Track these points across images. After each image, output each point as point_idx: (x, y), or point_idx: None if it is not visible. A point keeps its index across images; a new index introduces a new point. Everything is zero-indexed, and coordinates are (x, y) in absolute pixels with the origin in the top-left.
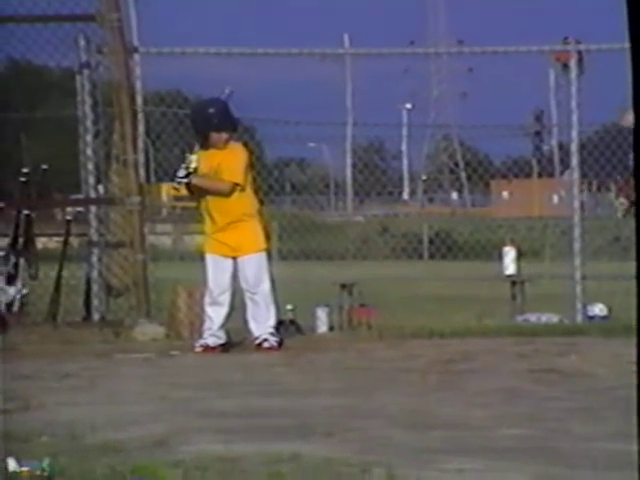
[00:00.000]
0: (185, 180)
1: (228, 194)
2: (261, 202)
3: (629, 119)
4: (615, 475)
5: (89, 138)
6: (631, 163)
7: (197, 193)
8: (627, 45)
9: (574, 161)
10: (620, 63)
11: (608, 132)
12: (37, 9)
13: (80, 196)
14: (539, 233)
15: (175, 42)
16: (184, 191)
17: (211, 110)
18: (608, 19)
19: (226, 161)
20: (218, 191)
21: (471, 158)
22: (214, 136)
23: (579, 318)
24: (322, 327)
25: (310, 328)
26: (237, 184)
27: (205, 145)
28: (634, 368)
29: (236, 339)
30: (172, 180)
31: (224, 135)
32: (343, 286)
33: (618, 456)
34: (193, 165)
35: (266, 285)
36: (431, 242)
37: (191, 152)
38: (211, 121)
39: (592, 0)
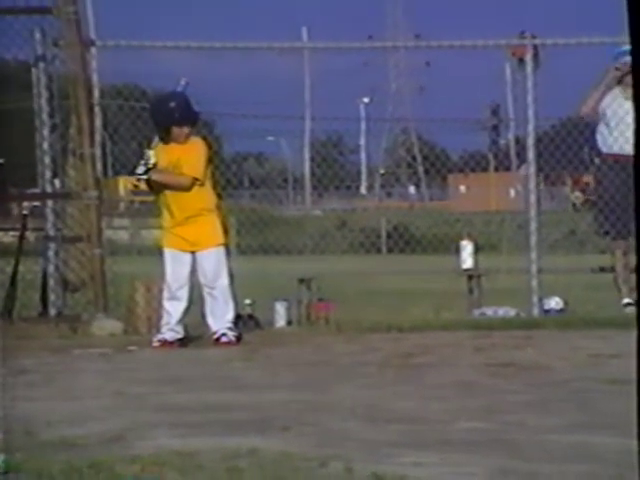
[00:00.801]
0: (144, 177)
1: (188, 189)
2: (219, 197)
3: (583, 110)
4: (571, 467)
5: (45, 132)
6: (586, 157)
7: (157, 188)
8: (583, 40)
9: (530, 155)
10: (575, 58)
11: (564, 126)
12: None
13: (37, 190)
14: (496, 227)
15: (133, 35)
16: (144, 186)
17: (172, 104)
18: (564, 14)
19: (186, 155)
20: (178, 186)
21: (429, 152)
22: (176, 130)
23: (535, 311)
24: (280, 321)
25: (269, 322)
26: (197, 179)
27: (165, 139)
28: (593, 361)
29: (194, 334)
30: (131, 175)
31: (185, 129)
32: (301, 280)
33: (574, 448)
34: (152, 161)
35: (224, 280)
36: (389, 236)
37: (149, 147)
38: (172, 115)
39: None
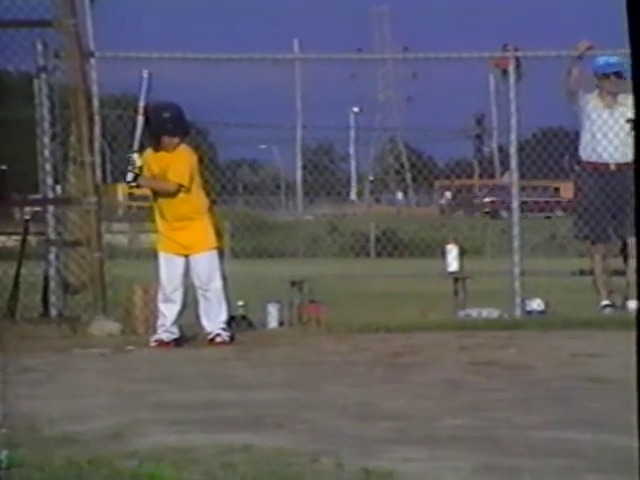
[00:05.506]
0: (134, 184)
1: (173, 194)
2: (213, 202)
3: (580, 47)
4: (552, 462)
5: (47, 140)
6: (566, 165)
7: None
8: (562, 52)
9: (513, 163)
10: (555, 69)
11: (545, 135)
12: None
13: (38, 196)
14: (480, 232)
15: (131, 47)
16: (139, 191)
17: (166, 114)
18: (544, 28)
19: (173, 163)
20: (164, 191)
21: (416, 160)
22: (166, 140)
23: (518, 313)
24: (273, 322)
25: (261, 324)
26: (182, 185)
27: (156, 147)
28: (573, 360)
29: (189, 334)
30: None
31: (175, 140)
32: (293, 283)
33: (555, 444)
34: (138, 164)
35: (217, 282)
36: (378, 240)
37: (132, 151)
38: (165, 125)
39: (530, 10)
